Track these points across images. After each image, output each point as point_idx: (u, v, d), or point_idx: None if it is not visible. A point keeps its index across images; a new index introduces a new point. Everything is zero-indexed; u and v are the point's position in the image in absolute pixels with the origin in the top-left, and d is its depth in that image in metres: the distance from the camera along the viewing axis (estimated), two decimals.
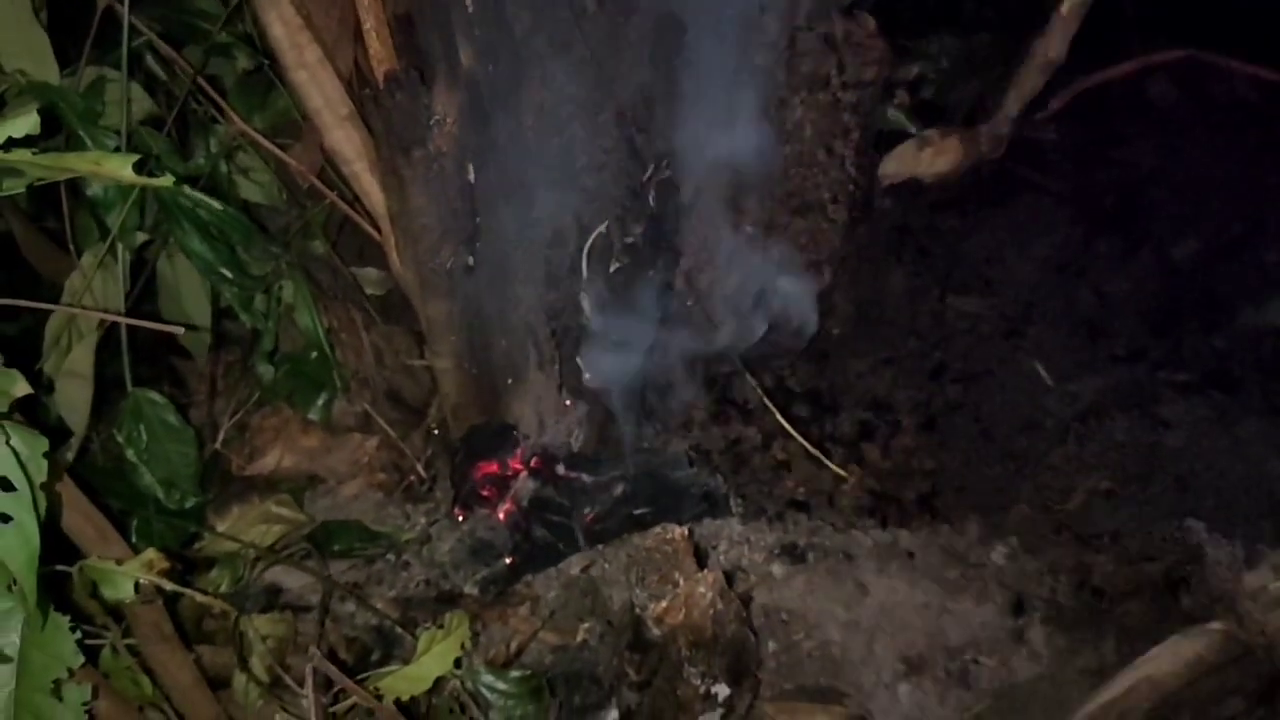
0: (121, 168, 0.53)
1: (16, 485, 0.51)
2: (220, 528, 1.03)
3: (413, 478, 1.35)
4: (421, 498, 1.33)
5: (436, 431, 1.35)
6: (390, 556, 1.23)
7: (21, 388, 0.55)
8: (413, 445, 1.35)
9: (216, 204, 0.97)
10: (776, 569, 1.15)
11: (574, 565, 1.19)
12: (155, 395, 1.01)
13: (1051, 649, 1.06)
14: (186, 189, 0.99)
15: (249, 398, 1.34)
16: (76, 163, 0.53)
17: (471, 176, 1.08)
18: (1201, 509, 1.19)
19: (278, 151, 1.14)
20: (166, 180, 0.59)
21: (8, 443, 0.51)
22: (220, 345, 1.40)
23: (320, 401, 1.28)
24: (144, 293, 1.21)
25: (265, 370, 1.21)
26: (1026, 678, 1.05)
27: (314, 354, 1.25)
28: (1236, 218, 1.64)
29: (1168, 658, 0.79)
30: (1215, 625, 0.78)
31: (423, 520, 1.29)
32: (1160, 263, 1.64)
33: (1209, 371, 1.40)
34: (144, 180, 0.54)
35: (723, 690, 0.89)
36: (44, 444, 0.54)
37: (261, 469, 1.34)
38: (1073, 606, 1.09)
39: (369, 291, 1.30)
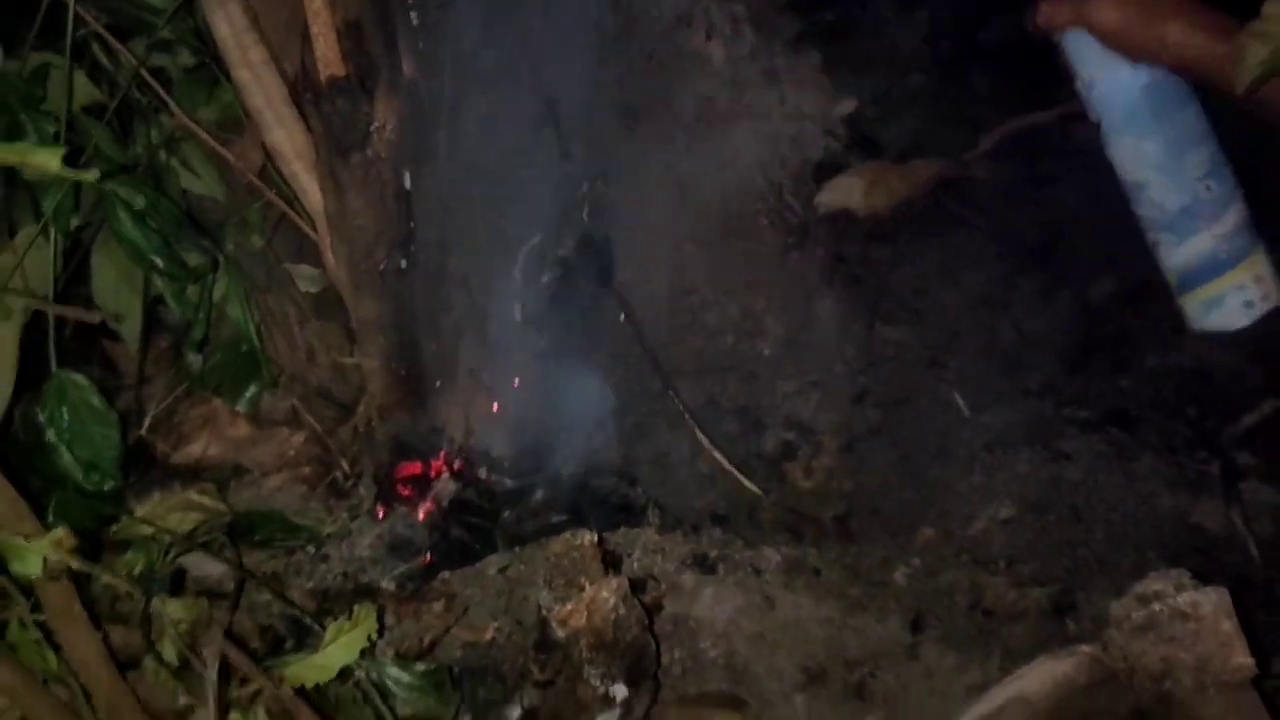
0: (50, 160, 0.55)
1: None
2: (139, 513, 1.04)
3: (338, 473, 1.36)
4: (345, 493, 1.35)
5: (364, 429, 1.37)
6: (310, 549, 1.25)
7: None
8: (339, 441, 1.37)
9: (151, 193, 0.99)
10: (688, 578, 1.19)
11: (491, 566, 1.21)
12: (79, 377, 1.02)
13: (942, 666, 1.11)
14: (123, 178, 1.00)
15: (178, 386, 1.36)
16: (4, 154, 0.55)
17: (408, 183, 1.11)
18: (1093, 539, 1.25)
19: (217, 146, 1.16)
20: (91, 174, 0.61)
21: None
22: (154, 332, 1.41)
23: (249, 394, 1.30)
24: (78, 275, 1.22)
25: (194, 360, 1.23)
26: (917, 692, 1.09)
27: (244, 347, 1.27)
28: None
29: (1038, 677, 0.83)
30: (1085, 649, 0.83)
31: (345, 515, 1.31)
32: (1078, 302, 1.70)
33: (1111, 409, 1.46)
34: (71, 174, 0.57)
35: (621, 691, 0.92)
36: None
37: (187, 457, 1.35)
38: (965, 626, 1.14)
39: (303, 288, 1.32)
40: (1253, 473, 1.33)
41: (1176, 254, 1.02)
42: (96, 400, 1.02)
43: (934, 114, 1.89)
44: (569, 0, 1.26)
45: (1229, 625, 0.76)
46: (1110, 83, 0.98)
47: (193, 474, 1.31)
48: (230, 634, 1.01)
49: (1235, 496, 1.27)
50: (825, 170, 1.78)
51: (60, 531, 0.69)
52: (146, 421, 1.32)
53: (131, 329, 1.29)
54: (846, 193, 1.78)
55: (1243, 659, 0.76)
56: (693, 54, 1.58)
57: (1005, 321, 1.72)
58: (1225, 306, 1.02)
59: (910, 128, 1.87)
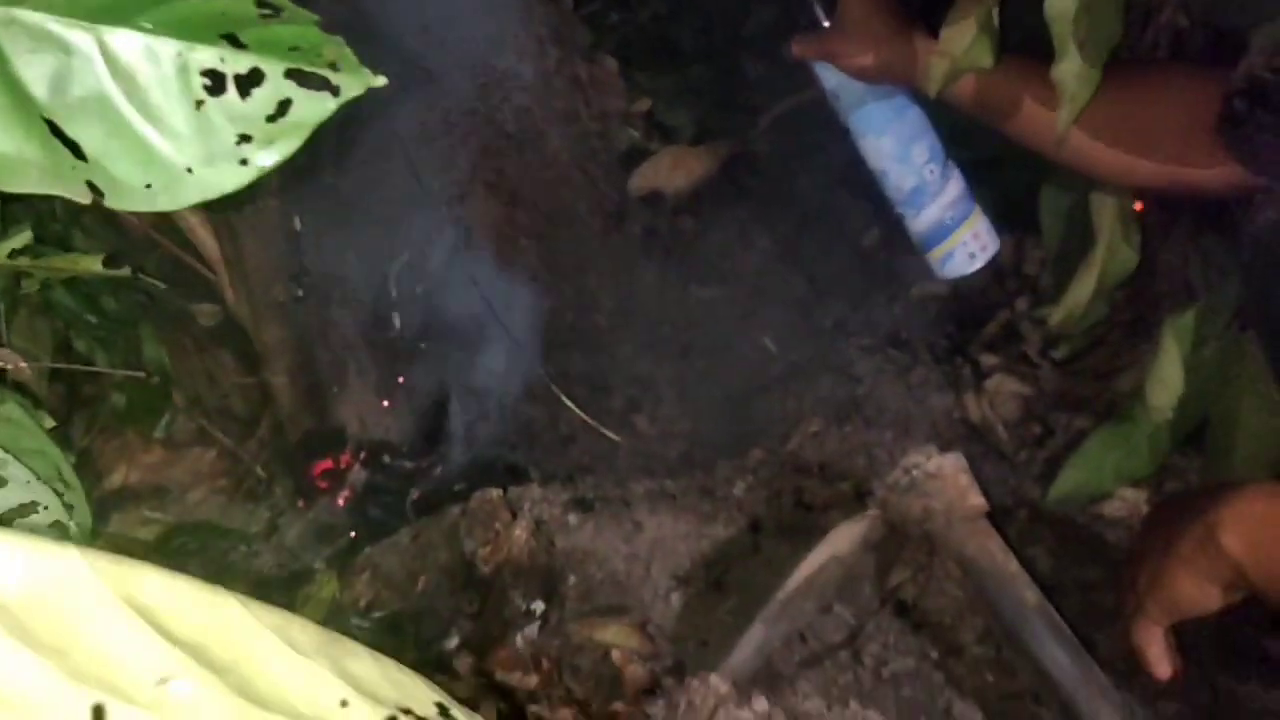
0: (93, 264, 0.75)
1: None
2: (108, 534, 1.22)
3: (251, 481, 1.55)
4: (261, 496, 1.54)
5: (269, 438, 1.56)
6: (242, 548, 1.44)
7: None
8: (249, 452, 1.56)
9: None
10: (571, 518, 1.44)
11: (405, 536, 1.44)
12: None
13: (779, 553, 1.40)
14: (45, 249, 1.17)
15: (93, 425, 1.51)
16: (63, 263, 0.75)
17: (298, 226, 1.31)
18: (883, 439, 1.58)
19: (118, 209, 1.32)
20: (124, 271, 0.80)
21: None
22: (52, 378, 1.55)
23: (163, 422, 1.47)
24: None
25: (119, 399, 1.39)
26: (762, 576, 1.38)
27: (156, 379, 1.44)
28: None
29: (844, 538, 1.14)
30: (871, 512, 1.13)
31: (267, 515, 1.50)
32: (852, 250, 2.04)
33: (887, 335, 1.80)
34: (109, 272, 0.76)
35: (540, 606, 1.18)
36: None
37: (111, 486, 1.51)
38: (792, 521, 1.44)
39: (203, 323, 1.50)
40: (995, 369, 1.70)
41: (915, 223, 1.34)
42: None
43: (716, 101, 2.19)
44: (406, 45, 1.47)
45: (964, 478, 1.08)
46: (850, 96, 1.29)
47: (122, 501, 1.47)
48: None
49: (983, 390, 1.63)
50: (631, 159, 2.05)
51: None
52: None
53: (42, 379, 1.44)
54: (652, 176, 2.06)
55: (976, 500, 1.08)
56: (507, 72, 1.81)
57: (797, 272, 2.04)
58: (955, 259, 1.34)
59: (698, 115, 2.17)
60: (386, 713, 0.25)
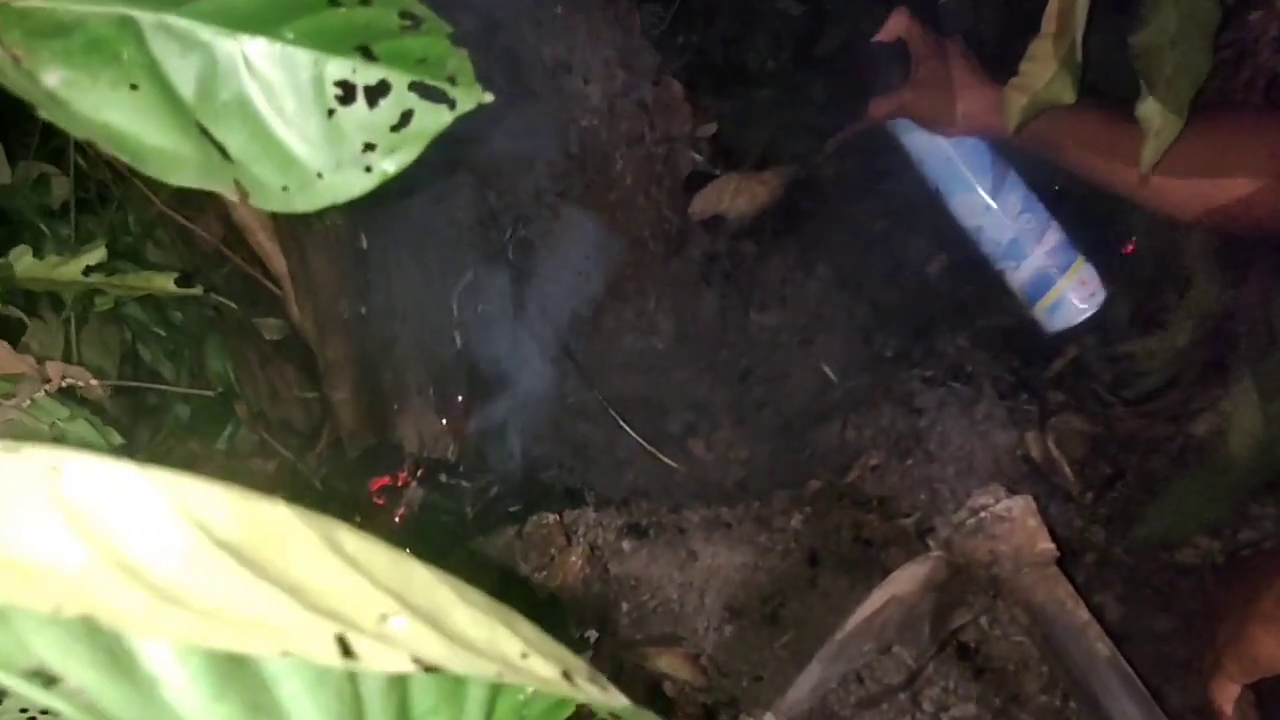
0: (166, 283, 0.75)
1: None
2: None
3: (310, 494, 1.56)
4: (319, 510, 1.55)
5: (329, 453, 1.57)
6: None
7: None
8: (308, 465, 1.57)
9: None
10: (625, 544, 1.43)
11: (460, 556, 1.44)
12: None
13: (837, 588, 1.38)
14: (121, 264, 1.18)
15: (156, 433, 1.53)
16: (137, 281, 0.75)
17: (364, 244, 1.32)
18: (945, 475, 1.54)
19: (188, 224, 1.34)
20: (196, 290, 0.81)
21: None
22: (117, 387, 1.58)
23: (227, 433, 1.49)
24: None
25: (183, 410, 1.41)
26: (819, 612, 1.36)
27: (220, 391, 1.46)
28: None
29: (905, 579, 1.11)
30: (936, 553, 1.11)
31: None
32: (917, 278, 2.01)
33: (951, 367, 1.76)
34: (181, 291, 0.77)
35: (593, 634, 1.17)
36: None
37: None
38: (851, 556, 1.42)
39: (268, 337, 1.51)
40: (1062, 408, 1.65)
41: (1017, 276, 1.30)
42: None
43: (782, 124, 2.18)
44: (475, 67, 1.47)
45: (1034, 522, 1.05)
46: (933, 155, 1.27)
47: None
48: None
49: (1049, 428, 1.59)
50: (694, 182, 2.04)
51: None
52: None
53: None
54: (715, 201, 2.05)
55: (1045, 545, 1.05)
56: (574, 95, 1.81)
57: (859, 300, 2.01)
58: (1064, 308, 1.31)
59: (764, 138, 2.15)
60: (559, 668, 0.29)
